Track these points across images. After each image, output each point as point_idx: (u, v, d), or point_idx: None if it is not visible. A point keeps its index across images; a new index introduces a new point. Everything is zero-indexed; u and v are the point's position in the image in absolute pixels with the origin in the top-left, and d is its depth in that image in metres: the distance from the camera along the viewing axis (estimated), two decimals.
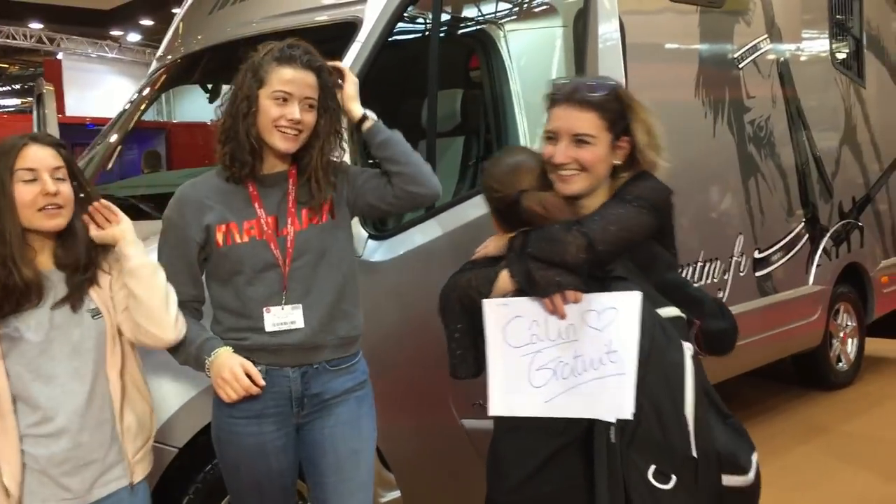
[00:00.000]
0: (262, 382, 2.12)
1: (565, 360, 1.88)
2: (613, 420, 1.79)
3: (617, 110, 1.97)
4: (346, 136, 2.33)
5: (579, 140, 1.94)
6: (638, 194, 1.92)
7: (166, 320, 2.06)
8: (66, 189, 1.97)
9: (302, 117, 2.14)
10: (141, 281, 2.03)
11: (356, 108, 2.29)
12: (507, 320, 1.93)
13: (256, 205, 2.19)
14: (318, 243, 2.20)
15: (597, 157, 1.94)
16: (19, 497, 1.91)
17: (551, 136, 1.97)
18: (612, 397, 1.81)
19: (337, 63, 2.28)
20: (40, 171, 1.92)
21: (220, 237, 2.17)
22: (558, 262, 1.84)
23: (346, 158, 2.75)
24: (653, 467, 1.77)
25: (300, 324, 2.16)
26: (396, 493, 3.13)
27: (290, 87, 2.13)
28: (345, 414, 2.24)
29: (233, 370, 2.09)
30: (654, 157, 2.00)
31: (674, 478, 1.77)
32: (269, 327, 2.15)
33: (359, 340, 2.32)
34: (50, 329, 1.94)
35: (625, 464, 1.77)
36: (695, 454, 1.81)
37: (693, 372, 1.85)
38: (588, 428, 1.82)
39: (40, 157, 1.94)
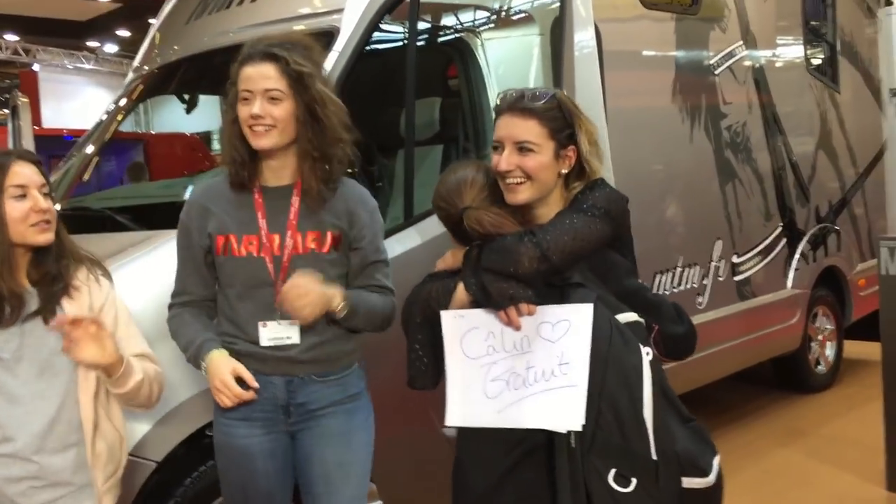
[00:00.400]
0: (256, 385, 2.12)
1: (518, 371, 1.89)
2: (564, 431, 1.80)
3: (560, 118, 1.97)
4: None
5: (522, 148, 1.94)
6: (592, 203, 1.92)
7: (139, 405, 2.11)
8: (51, 205, 1.99)
9: (262, 111, 2.09)
10: (124, 398, 2.05)
11: (334, 300, 2.13)
12: (464, 332, 1.94)
13: (260, 218, 2.17)
14: (312, 269, 2.13)
15: (540, 165, 1.94)
16: None
17: (497, 146, 1.98)
18: (562, 408, 1.82)
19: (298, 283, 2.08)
20: (30, 188, 1.95)
21: (219, 246, 2.17)
22: (511, 274, 1.85)
23: None
24: (613, 471, 1.78)
25: (296, 339, 2.16)
26: (379, 503, 3.11)
27: (249, 84, 2.11)
28: (334, 426, 2.22)
29: (223, 379, 2.09)
30: (598, 165, 2.01)
31: (634, 480, 1.79)
32: (263, 342, 2.15)
33: (350, 357, 2.29)
34: (19, 347, 1.92)
35: (586, 469, 1.78)
36: (654, 456, 1.82)
37: (651, 375, 1.85)
38: (548, 435, 1.83)
39: (28, 174, 1.96)
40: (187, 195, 2.38)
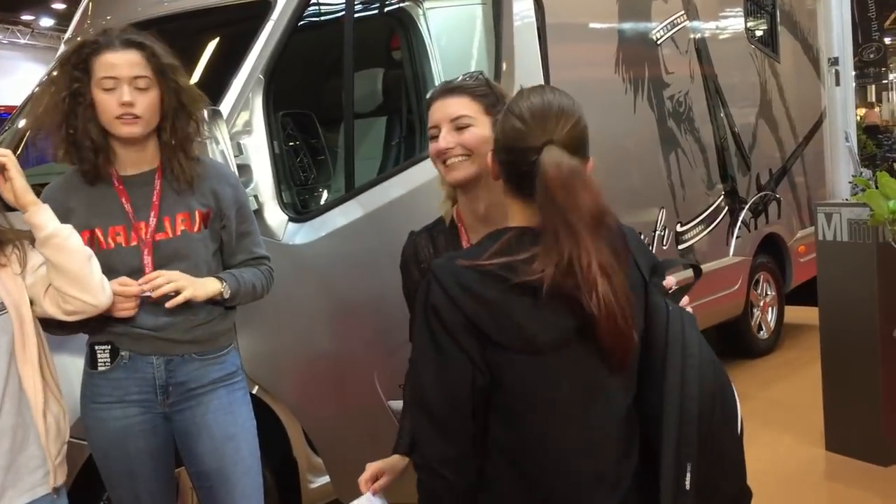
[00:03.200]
0: (141, 286, 2.09)
1: None
2: None
3: (490, 95, 1.96)
4: (205, 124, 2.28)
5: (458, 126, 1.92)
6: None
7: (92, 283, 1.99)
8: None
9: (132, 98, 2.07)
10: (58, 249, 1.95)
11: (212, 288, 2.16)
12: None
13: (126, 205, 2.14)
14: (185, 251, 2.15)
15: (479, 139, 1.91)
16: None
17: (433, 133, 1.96)
18: None
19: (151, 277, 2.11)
20: None
21: (84, 242, 2.09)
22: None
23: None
24: None
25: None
26: (325, 479, 3.10)
27: (113, 71, 2.07)
28: (215, 402, 2.22)
29: (117, 306, 2.07)
30: None
31: None
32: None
33: (227, 335, 2.28)
34: None
35: None
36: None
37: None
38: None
39: None
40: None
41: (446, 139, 1.93)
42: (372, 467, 1.95)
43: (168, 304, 2.08)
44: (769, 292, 6.03)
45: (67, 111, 2.09)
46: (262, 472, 2.81)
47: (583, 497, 1.44)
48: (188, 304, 2.13)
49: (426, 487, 1.48)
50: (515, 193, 1.50)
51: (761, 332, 5.97)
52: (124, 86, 2.06)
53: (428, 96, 2.03)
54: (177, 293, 2.09)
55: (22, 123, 3.87)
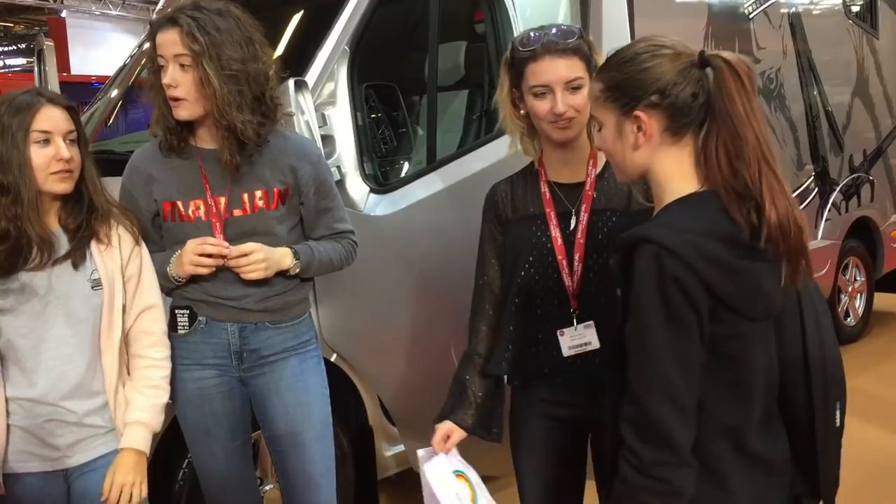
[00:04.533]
0: (225, 248, 2.11)
1: None
2: None
3: (588, 51, 1.98)
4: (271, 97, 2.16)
5: (573, 87, 1.94)
6: None
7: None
8: (76, 153, 1.94)
9: (172, 79, 2.04)
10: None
11: (285, 261, 2.17)
12: None
13: (205, 183, 2.15)
14: (261, 228, 2.16)
15: (587, 100, 1.90)
16: (3, 452, 1.91)
17: (540, 92, 1.95)
18: None
19: (240, 249, 2.12)
20: (54, 135, 1.89)
21: (165, 213, 2.17)
22: None
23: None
24: None
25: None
26: (400, 447, 3.15)
27: (161, 51, 2.07)
28: (287, 370, 2.25)
29: (192, 258, 2.10)
30: None
31: None
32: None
33: (301, 306, 2.30)
34: (48, 292, 1.92)
35: None
36: None
37: None
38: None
39: (55, 119, 1.90)
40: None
41: (564, 102, 1.93)
42: (442, 428, 2.05)
43: (244, 277, 2.12)
44: (858, 278, 5.82)
45: (155, 90, 2.12)
46: (339, 439, 2.88)
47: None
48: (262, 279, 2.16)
49: (661, 490, 1.34)
50: (673, 140, 1.43)
51: (848, 319, 5.78)
52: (169, 66, 2.06)
53: (523, 47, 1.96)
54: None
55: (115, 93, 3.99)
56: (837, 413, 1.52)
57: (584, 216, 2.00)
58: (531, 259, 2.02)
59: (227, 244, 2.11)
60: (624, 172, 1.53)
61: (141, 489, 1.98)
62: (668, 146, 1.44)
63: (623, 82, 1.45)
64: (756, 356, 1.42)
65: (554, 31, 1.96)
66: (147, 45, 2.25)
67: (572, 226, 2.00)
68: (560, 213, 2.02)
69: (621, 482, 1.37)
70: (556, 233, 2.00)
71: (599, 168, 2.03)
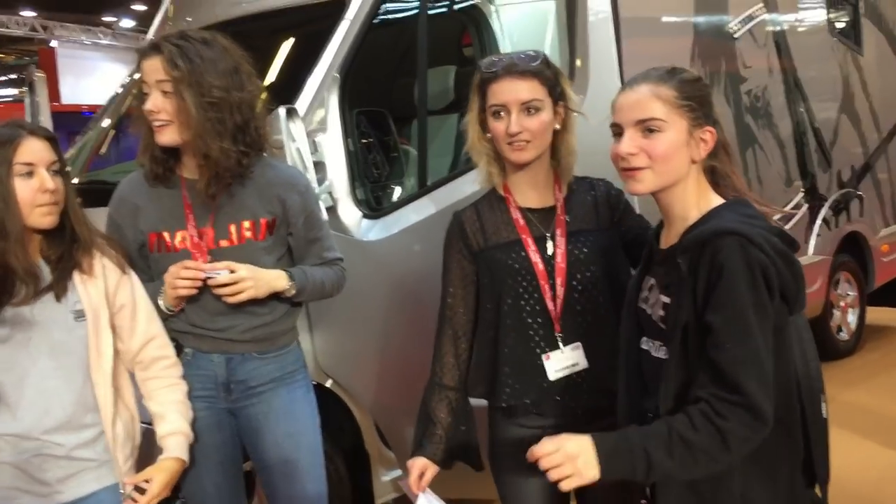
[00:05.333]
0: (205, 268, 2.08)
1: None
2: None
3: (551, 76, 2.00)
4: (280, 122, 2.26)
5: (528, 108, 1.95)
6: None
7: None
8: (60, 184, 1.91)
9: (154, 105, 2.03)
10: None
11: (279, 285, 2.15)
12: None
13: (189, 213, 2.14)
14: (248, 259, 2.13)
15: (545, 124, 1.97)
16: None
17: (498, 111, 1.96)
18: None
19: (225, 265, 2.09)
20: (38, 166, 1.87)
21: (152, 244, 2.16)
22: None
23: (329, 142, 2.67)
24: None
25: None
26: (397, 472, 3.13)
27: (145, 77, 2.07)
28: (276, 401, 2.24)
29: (173, 272, 2.07)
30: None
31: None
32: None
33: (288, 336, 2.29)
34: (31, 324, 1.89)
35: None
36: None
37: None
38: None
39: (38, 151, 1.87)
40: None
41: (519, 123, 1.94)
42: (416, 466, 2.04)
43: (229, 300, 2.09)
44: (850, 292, 5.84)
45: (143, 118, 2.11)
46: (335, 464, 2.87)
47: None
48: (249, 308, 2.15)
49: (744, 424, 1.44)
50: (706, 160, 1.63)
51: (841, 334, 5.79)
52: (152, 91, 2.06)
53: (487, 68, 1.99)
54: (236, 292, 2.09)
55: (106, 123, 4.01)
56: (823, 406, 1.61)
57: (560, 240, 2.01)
58: (513, 285, 2.01)
59: (205, 266, 2.08)
60: (663, 178, 1.60)
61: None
62: (701, 162, 1.63)
63: (700, 98, 1.61)
64: (792, 349, 1.53)
65: (519, 55, 2.00)
66: (137, 74, 2.25)
67: (550, 250, 2.01)
68: (536, 237, 2.02)
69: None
70: (535, 258, 2.01)
71: (565, 191, 2.06)
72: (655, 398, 1.57)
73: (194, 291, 2.10)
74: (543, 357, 2.00)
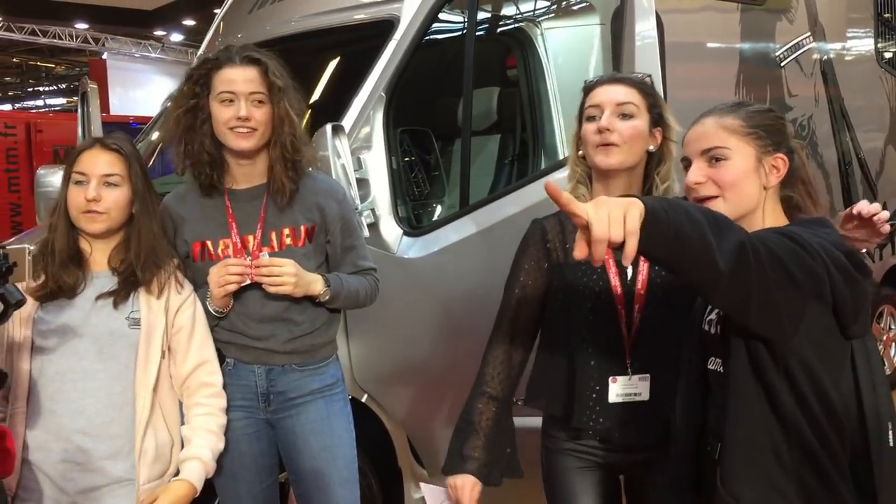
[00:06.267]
0: (247, 268, 2.14)
1: None
2: None
3: (652, 94, 2.00)
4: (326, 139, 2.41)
5: (623, 113, 1.94)
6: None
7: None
8: (111, 195, 2.00)
9: (249, 113, 2.14)
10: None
11: (314, 287, 2.21)
12: None
13: (231, 222, 2.21)
14: None
15: (638, 131, 1.94)
16: (15, 489, 1.91)
17: (592, 114, 1.97)
18: None
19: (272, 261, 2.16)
20: (90, 177, 1.99)
21: (195, 253, 2.22)
22: None
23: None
24: None
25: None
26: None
27: (233, 86, 2.14)
28: (313, 413, 2.28)
29: (218, 279, 2.12)
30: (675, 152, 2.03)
31: None
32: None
33: (327, 348, 2.34)
34: (83, 325, 1.96)
35: None
36: None
37: None
38: None
39: (92, 162, 2.00)
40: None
41: (609, 120, 1.93)
42: (465, 487, 2.02)
43: (271, 290, 2.13)
44: (893, 326, 5.74)
45: (186, 126, 2.19)
46: (368, 480, 2.89)
47: None
48: (289, 316, 2.20)
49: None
50: (779, 188, 1.67)
51: (883, 368, 5.68)
52: (242, 100, 2.14)
53: (588, 82, 2.03)
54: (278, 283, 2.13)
55: (155, 136, 4.09)
56: (891, 433, 1.55)
57: (643, 266, 1.97)
58: (590, 307, 1.98)
59: (249, 262, 2.14)
60: (735, 206, 1.61)
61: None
62: (775, 191, 1.65)
63: (768, 127, 1.64)
64: (860, 376, 1.52)
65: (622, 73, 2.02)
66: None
67: (630, 275, 1.97)
68: (617, 260, 1.97)
69: None
70: (615, 281, 1.97)
71: None
72: (719, 415, 1.58)
73: (241, 284, 2.13)
74: (610, 379, 1.97)
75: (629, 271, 1.98)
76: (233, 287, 2.14)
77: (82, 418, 1.94)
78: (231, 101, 2.15)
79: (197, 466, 2.03)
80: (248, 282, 2.14)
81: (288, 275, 2.12)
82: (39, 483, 1.94)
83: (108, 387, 1.97)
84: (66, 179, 2.01)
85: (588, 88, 2.01)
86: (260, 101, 2.16)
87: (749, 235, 1.41)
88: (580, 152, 2.03)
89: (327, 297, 2.22)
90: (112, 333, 1.98)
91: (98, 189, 1.98)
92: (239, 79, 2.15)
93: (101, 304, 1.99)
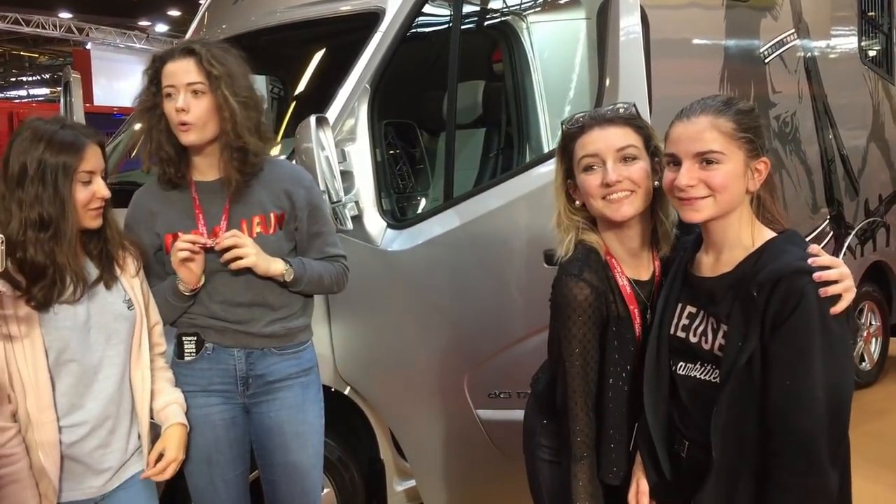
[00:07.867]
0: (203, 239, 2.16)
1: None
2: None
3: (644, 126, 1.88)
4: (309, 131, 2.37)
5: (625, 157, 1.82)
6: None
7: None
8: (103, 189, 2.01)
9: (186, 104, 2.12)
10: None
11: (275, 267, 2.20)
12: None
13: (199, 213, 2.22)
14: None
15: (646, 173, 1.82)
16: (59, 477, 1.92)
17: (591, 164, 1.83)
18: None
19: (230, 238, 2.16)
20: (95, 174, 1.97)
21: (168, 245, 2.22)
22: None
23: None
24: None
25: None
26: (411, 482, 3.14)
27: (172, 80, 2.14)
28: (290, 399, 2.30)
29: (176, 254, 2.14)
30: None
31: None
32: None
33: (305, 332, 2.36)
34: (88, 317, 1.97)
35: None
36: None
37: None
38: None
39: (97, 159, 1.98)
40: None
41: (617, 171, 1.79)
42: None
43: (232, 265, 2.15)
44: (873, 322, 5.79)
45: (147, 126, 2.20)
46: (350, 473, 2.89)
47: None
48: (267, 301, 2.23)
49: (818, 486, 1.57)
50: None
51: (863, 364, 5.74)
52: (181, 92, 2.13)
53: (571, 124, 1.88)
54: (239, 257, 2.14)
55: (138, 126, 4.07)
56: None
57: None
58: (632, 362, 1.86)
59: (205, 235, 2.17)
60: (722, 207, 1.64)
61: (179, 465, 2.11)
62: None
63: (755, 129, 1.65)
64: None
65: (603, 108, 1.87)
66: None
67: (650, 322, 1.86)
68: (641, 309, 1.88)
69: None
70: (639, 331, 1.87)
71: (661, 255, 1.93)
72: (693, 423, 1.64)
73: (195, 255, 2.14)
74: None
75: (648, 317, 1.88)
76: (185, 254, 2.14)
77: (109, 405, 2.00)
78: (171, 94, 2.14)
79: (178, 409, 2.16)
80: (207, 245, 2.14)
81: (249, 245, 2.15)
82: (80, 475, 1.97)
83: (121, 368, 2.03)
84: (70, 178, 1.94)
85: (573, 134, 1.86)
86: (198, 92, 2.14)
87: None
88: (577, 202, 1.90)
89: (291, 278, 2.22)
90: (116, 318, 2.01)
91: (104, 186, 1.99)
92: (178, 71, 2.14)
93: (94, 293, 2.00)
